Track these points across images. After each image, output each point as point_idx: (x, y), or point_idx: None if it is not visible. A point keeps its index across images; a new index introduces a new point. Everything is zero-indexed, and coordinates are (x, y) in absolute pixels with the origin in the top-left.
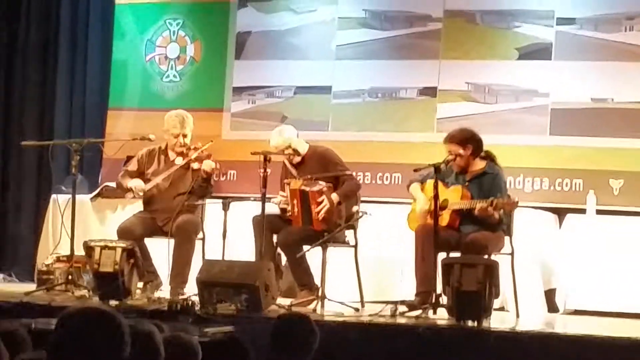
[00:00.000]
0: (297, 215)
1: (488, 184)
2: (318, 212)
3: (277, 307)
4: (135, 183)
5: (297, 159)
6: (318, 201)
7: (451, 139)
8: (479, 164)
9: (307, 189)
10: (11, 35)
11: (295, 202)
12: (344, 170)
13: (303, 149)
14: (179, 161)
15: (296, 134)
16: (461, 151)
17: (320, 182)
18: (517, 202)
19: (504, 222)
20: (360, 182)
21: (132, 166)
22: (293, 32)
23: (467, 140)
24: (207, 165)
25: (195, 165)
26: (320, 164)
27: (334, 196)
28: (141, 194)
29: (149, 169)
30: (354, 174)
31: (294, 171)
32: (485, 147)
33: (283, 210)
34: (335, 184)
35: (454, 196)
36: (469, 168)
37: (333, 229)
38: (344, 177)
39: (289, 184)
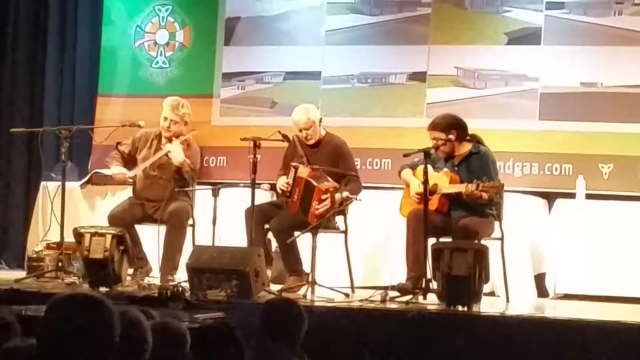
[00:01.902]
0: (295, 202)
1: (477, 165)
2: (317, 209)
3: (268, 293)
4: (117, 170)
5: (312, 141)
6: (321, 199)
7: (434, 126)
8: (465, 147)
9: (315, 183)
10: (0, 23)
11: (298, 189)
12: (352, 170)
13: (321, 133)
14: (167, 148)
15: (320, 117)
16: (445, 138)
17: (329, 180)
18: (502, 185)
19: (494, 202)
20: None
21: (125, 147)
22: (282, 18)
23: (451, 126)
24: (173, 156)
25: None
26: (332, 155)
27: (337, 197)
28: (130, 180)
29: (140, 152)
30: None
31: (302, 152)
32: (473, 131)
33: (282, 193)
34: (339, 180)
35: (442, 181)
36: (456, 152)
37: (325, 222)
38: (350, 177)
39: (296, 168)
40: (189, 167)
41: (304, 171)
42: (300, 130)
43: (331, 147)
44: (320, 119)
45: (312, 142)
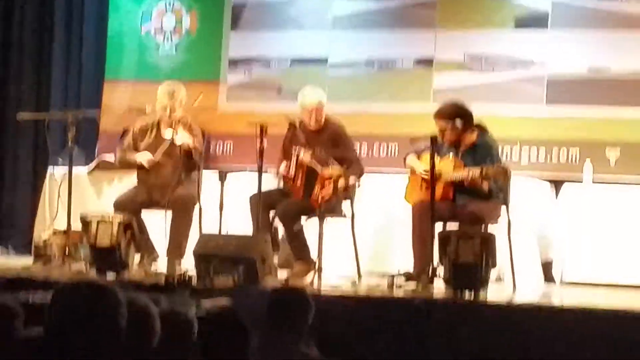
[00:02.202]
0: (299, 187)
1: (481, 155)
2: (320, 194)
3: (274, 280)
4: (143, 156)
5: (318, 125)
6: (324, 185)
7: (440, 114)
8: (471, 136)
9: (318, 168)
10: (7, 8)
11: (300, 173)
12: (352, 152)
13: (324, 118)
14: (169, 134)
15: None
16: (451, 126)
17: (334, 163)
18: (507, 170)
19: (494, 192)
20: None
21: (126, 142)
22: (289, 3)
23: (457, 114)
24: (180, 139)
25: (177, 140)
26: (332, 139)
27: (341, 182)
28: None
29: (141, 142)
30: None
31: (302, 137)
32: (479, 117)
33: (284, 178)
34: (340, 162)
35: (447, 167)
36: (461, 140)
37: (329, 207)
38: (350, 159)
39: (298, 154)
40: (199, 149)
41: (305, 155)
42: (310, 112)
43: (331, 131)
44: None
45: (317, 125)
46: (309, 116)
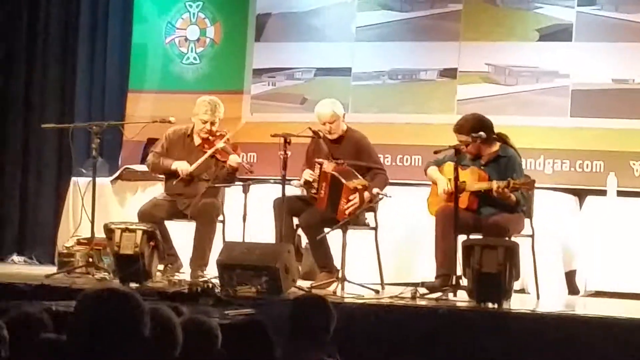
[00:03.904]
0: (323, 198)
1: (504, 166)
2: (346, 207)
3: (297, 290)
4: (181, 165)
5: (334, 136)
6: (349, 198)
7: (460, 129)
8: (493, 147)
9: (343, 181)
10: (32, 18)
11: (324, 184)
12: (377, 163)
13: (343, 128)
14: (185, 166)
15: (344, 112)
16: (471, 140)
17: (357, 177)
18: (534, 181)
19: (522, 204)
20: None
21: (160, 147)
22: (313, 14)
23: (476, 128)
24: (233, 161)
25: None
26: (354, 150)
27: (367, 195)
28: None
29: (173, 150)
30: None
31: (325, 147)
32: (503, 128)
33: (308, 184)
34: (365, 174)
35: (471, 178)
36: (482, 153)
37: (355, 219)
38: (375, 170)
39: (321, 164)
40: (247, 166)
41: (329, 166)
42: (324, 124)
43: (353, 142)
44: (344, 114)
45: (334, 136)
46: (324, 128)
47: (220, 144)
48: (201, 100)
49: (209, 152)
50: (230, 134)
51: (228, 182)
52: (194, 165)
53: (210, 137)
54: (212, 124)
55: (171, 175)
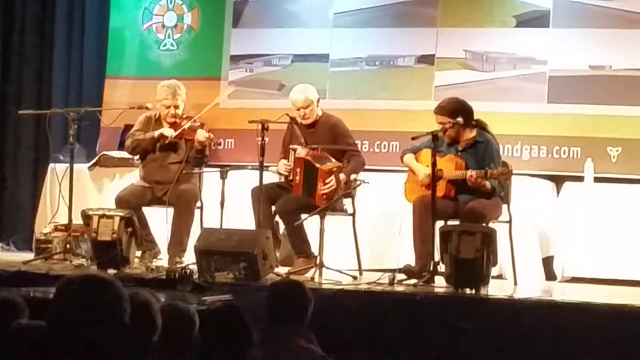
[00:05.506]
0: (298, 184)
1: (481, 153)
2: (322, 191)
3: (275, 276)
4: (165, 131)
5: (309, 121)
6: (326, 181)
7: (441, 110)
8: (470, 133)
9: (317, 165)
10: (8, 5)
11: (298, 170)
12: (352, 146)
13: (318, 113)
14: (168, 132)
15: (318, 97)
16: (452, 122)
17: (331, 160)
18: (511, 171)
19: (497, 191)
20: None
21: (136, 131)
22: (290, 0)
23: (457, 111)
24: (200, 134)
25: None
26: (330, 134)
27: (342, 177)
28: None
29: (146, 134)
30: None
31: (299, 133)
32: (480, 115)
33: (285, 177)
34: (340, 157)
35: (448, 166)
36: (460, 138)
37: (333, 205)
38: (350, 152)
39: (295, 150)
40: (214, 142)
41: (302, 152)
42: (298, 109)
43: (328, 126)
44: (318, 99)
45: (309, 121)
46: (299, 113)
47: (187, 125)
48: (160, 85)
49: (186, 125)
50: (205, 109)
51: (199, 162)
52: (177, 132)
53: (177, 120)
54: (176, 107)
55: (154, 147)
